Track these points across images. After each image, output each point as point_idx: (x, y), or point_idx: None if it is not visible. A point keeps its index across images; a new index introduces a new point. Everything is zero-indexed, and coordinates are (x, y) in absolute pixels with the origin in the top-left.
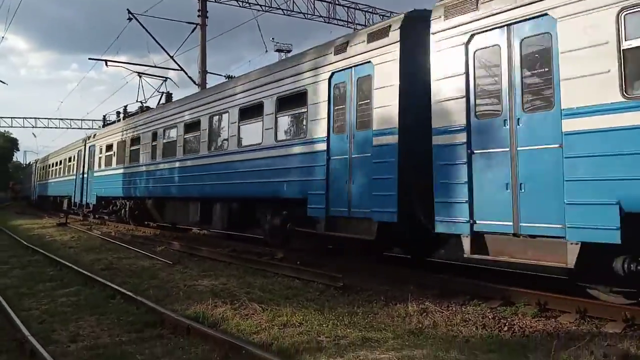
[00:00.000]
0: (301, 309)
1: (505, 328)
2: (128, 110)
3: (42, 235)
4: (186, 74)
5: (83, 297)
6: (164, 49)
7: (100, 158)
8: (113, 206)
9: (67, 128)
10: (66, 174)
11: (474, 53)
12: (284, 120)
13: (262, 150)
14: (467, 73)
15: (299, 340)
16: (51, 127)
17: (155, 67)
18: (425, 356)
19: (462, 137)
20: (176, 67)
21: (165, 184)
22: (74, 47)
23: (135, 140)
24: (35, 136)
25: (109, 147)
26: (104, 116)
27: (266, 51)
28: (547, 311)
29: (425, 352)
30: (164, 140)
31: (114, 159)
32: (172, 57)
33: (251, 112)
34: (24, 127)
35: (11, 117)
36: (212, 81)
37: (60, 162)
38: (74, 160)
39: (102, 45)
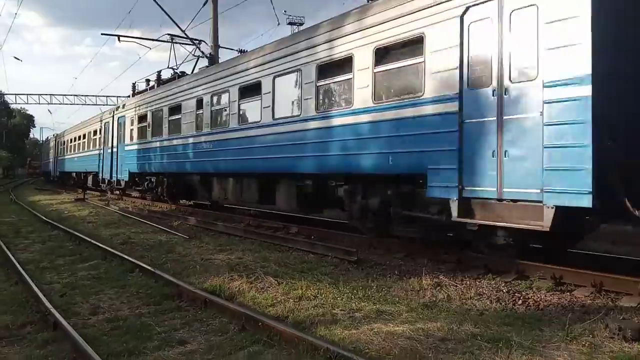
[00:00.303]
0: (316, 283)
1: (520, 302)
2: (162, 77)
3: (60, 210)
4: (198, 48)
5: (102, 270)
6: (175, 23)
7: (132, 130)
8: (148, 183)
9: (82, 104)
10: (91, 148)
11: None
12: (387, 76)
13: (353, 115)
14: None
15: (314, 313)
16: (66, 104)
17: (166, 42)
18: (439, 329)
19: None
20: (188, 41)
21: (214, 158)
22: (86, 23)
23: (175, 110)
24: (50, 113)
25: (143, 118)
26: (134, 84)
27: (278, 24)
28: (562, 285)
29: (439, 325)
30: (212, 108)
31: (149, 131)
32: (184, 32)
33: (335, 68)
34: (39, 103)
35: (26, 94)
36: (224, 56)
37: (84, 135)
38: (100, 133)
39: (115, 20)
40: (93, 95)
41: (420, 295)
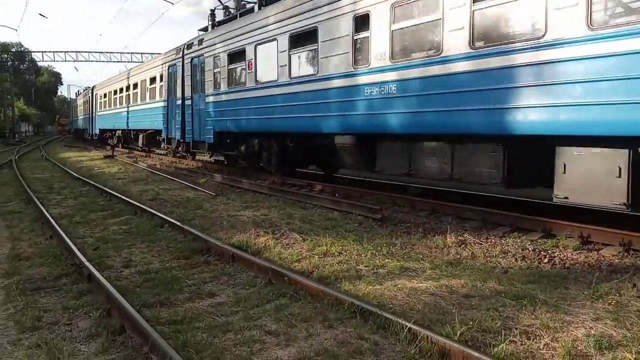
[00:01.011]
0: (340, 239)
1: (546, 260)
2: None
3: (90, 167)
4: (220, 2)
5: (133, 225)
6: None
7: (216, 74)
8: (247, 147)
9: (108, 61)
10: (146, 100)
11: None
12: None
13: None
14: None
15: (339, 269)
16: (92, 61)
17: None
18: (463, 286)
19: None
20: None
21: (392, 110)
22: None
23: (302, 38)
24: (77, 70)
25: (236, 56)
26: (212, 11)
27: None
28: (589, 244)
29: (463, 282)
30: (396, 26)
31: (249, 74)
32: None
33: None
34: (65, 61)
35: (53, 52)
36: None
37: (134, 85)
38: (161, 80)
39: None
40: (118, 52)
41: (445, 253)
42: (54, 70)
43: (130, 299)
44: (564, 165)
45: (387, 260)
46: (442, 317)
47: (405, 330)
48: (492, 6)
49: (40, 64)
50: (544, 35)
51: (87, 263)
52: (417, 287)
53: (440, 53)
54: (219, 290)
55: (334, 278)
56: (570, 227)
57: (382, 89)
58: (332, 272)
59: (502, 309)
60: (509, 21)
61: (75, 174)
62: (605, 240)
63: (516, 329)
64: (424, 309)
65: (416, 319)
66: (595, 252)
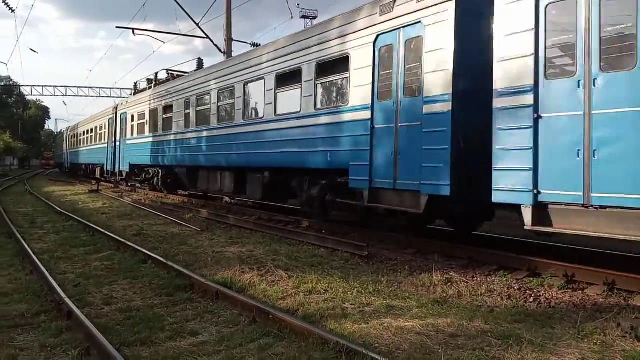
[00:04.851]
0: (326, 277)
1: (531, 299)
2: None
3: (74, 201)
4: (212, 42)
5: (116, 261)
6: (190, 17)
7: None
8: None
9: (97, 97)
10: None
11: None
12: None
13: None
14: None
15: (325, 306)
16: (81, 96)
17: (181, 35)
18: (449, 325)
19: None
20: (202, 35)
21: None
22: (101, 15)
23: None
24: (65, 104)
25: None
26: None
27: (292, 17)
28: (574, 283)
29: (449, 321)
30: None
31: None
32: (198, 25)
33: None
34: (54, 95)
35: (42, 86)
36: (237, 49)
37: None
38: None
39: (130, 12)
40: (107, 88)
41: (431, 291)
42: (42, 104)
43: (111, 338)
44: None
45: (373, 298)
46: (428, 357)
47: None
48: None
49: (28, 97)
50: None
51: (67, 300)
52: (403, 326)
53: None
54: (202, 328)
55: (320, 316)
56: (555, 266)
57: None
58: (317, 310)
59: (489, 349)
60: None
61: (58, 209)
62: (590, 279)
63: None
64: (410, 349)
65: (402, 359)
66: (580, 292)
